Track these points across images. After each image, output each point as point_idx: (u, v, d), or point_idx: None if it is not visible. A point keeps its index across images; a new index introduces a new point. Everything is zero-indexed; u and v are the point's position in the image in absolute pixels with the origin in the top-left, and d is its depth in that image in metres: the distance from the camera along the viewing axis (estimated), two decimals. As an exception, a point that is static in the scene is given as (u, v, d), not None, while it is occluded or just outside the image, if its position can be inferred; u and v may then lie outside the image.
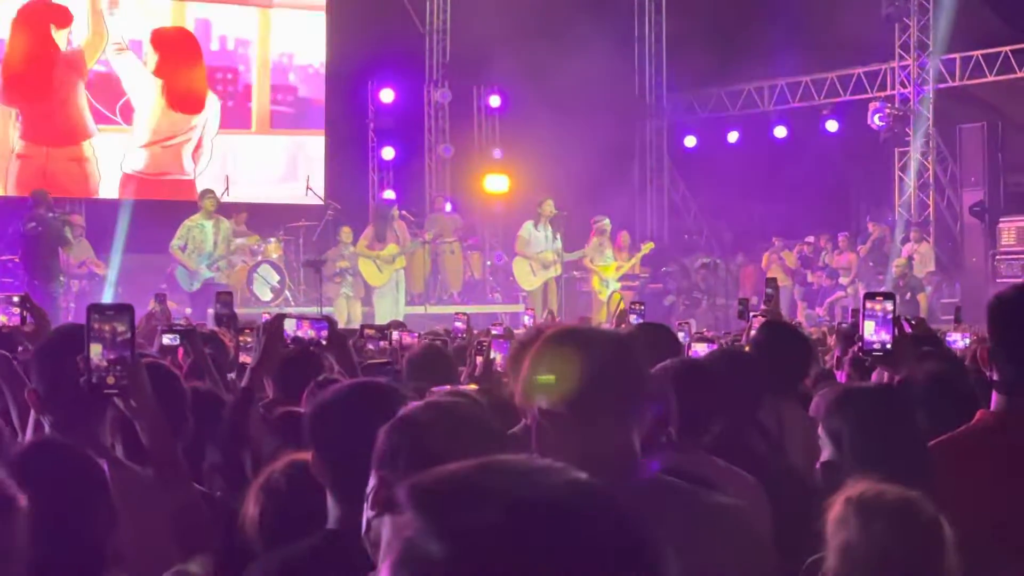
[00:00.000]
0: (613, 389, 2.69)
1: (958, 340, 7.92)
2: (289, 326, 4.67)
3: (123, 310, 3.38)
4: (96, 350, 3.30)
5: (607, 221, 21.05)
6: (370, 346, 7.75)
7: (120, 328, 3.32)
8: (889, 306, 4.46)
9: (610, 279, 20.69)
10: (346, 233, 19.75)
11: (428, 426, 2.54)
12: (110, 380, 3.31)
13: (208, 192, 18.68)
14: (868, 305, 4.48)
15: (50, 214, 17.54)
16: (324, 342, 4.73)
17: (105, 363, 3.30)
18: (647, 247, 21.57)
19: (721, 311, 21.37)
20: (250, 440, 4.29)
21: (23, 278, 16.79)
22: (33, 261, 17.07)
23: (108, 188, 20.80)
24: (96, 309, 3.37)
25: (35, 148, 20.32)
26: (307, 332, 4.69)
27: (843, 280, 21.36)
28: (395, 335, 8.55)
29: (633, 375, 2.76)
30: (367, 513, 2.50)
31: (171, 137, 21.26)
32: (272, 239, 19.81)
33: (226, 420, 4.39)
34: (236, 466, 4.28)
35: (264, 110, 22.22)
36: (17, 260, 17.45)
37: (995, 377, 3.44)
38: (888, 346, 4.43)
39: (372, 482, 2.51)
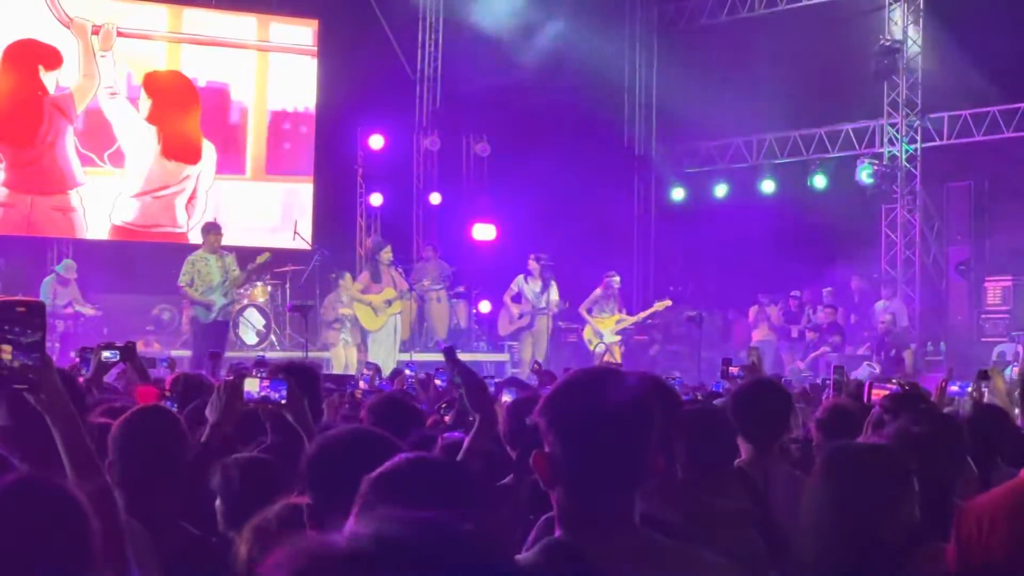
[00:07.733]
0: (621, 447, 2.65)
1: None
2: (251, 386, 4.86)
3: (35, 310, 3.35)
4: (7, 350, 3.29)
5: (618, 278, 21.07)
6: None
7: (30, 330, 3.31)
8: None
9: (605, 331, 20.61)
10: (347, 279, 19.62)
11: (421, 487, 2.58)
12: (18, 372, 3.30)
13: (212, 226, 17.94)
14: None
15: None
16: (283, 401, 4.79)
17: (17, 364, 3.28)
18: (662, 304, 21.48)
19: (706, 364, 21.30)
20: (210, 491, 4.45)
21: None
22: None
23: (96, 236, 20.19)
24: (5, 307, 3.34)
25: (18, 196, 19.57)
26: (266, 392, 4.80)
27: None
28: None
29: (646, 432, 2.70)
30: None
31: (164, 187, 20.53)
32: (259, 283, 19.48)
33: (186, 472, 4.51)
34: (198, 514, 4.44)
35: (259, 155, 21.74)
36: None
37: None
38: None
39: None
